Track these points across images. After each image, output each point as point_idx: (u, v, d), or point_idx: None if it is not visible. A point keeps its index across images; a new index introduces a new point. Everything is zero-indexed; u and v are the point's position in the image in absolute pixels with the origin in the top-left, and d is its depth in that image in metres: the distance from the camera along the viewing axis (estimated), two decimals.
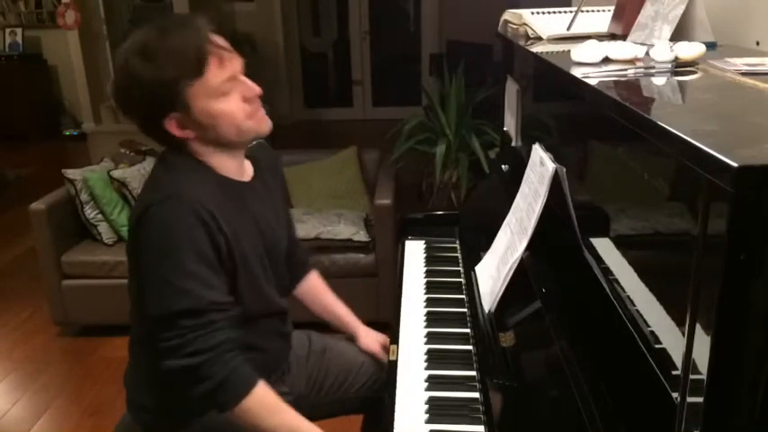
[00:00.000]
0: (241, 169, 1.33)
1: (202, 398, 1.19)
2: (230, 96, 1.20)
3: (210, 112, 1.19)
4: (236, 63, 1.22)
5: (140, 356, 1.37)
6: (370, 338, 1.60)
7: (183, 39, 1.16)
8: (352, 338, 1.62)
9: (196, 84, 1.17)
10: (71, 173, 3.02)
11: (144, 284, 1.21)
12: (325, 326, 1.66)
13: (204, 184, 1.23)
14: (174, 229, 1.17)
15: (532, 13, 1.65)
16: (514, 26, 1.73)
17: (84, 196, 3.00)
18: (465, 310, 1.49)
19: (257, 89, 1.24)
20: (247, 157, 1.36)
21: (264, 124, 1.27)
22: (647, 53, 1.12)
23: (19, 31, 7.00)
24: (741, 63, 1.01)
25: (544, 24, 1.57)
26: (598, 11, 1.62)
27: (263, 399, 1.22)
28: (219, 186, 1.26)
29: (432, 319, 1.48)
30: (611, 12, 1.48)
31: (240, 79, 1.22)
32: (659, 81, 1.02)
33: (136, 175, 3.03)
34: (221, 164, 1.28)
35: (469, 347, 1.35)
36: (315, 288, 1.63)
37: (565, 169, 1.20)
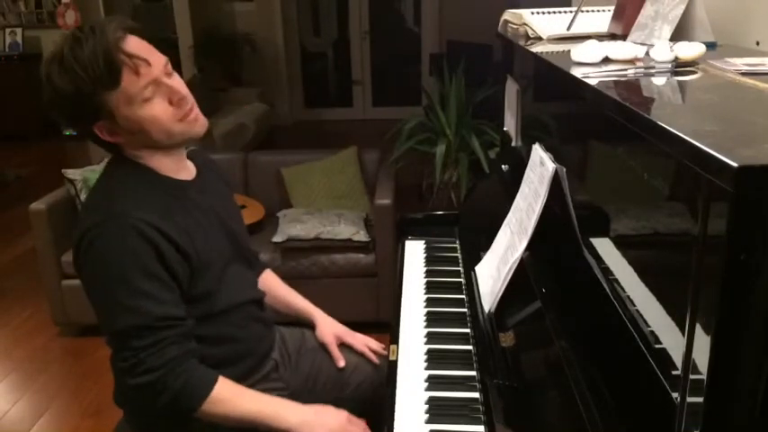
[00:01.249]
0: (183, 168, 1.33)
1: (166, 408, 1.21)
2: (153, 101, 1.19)
3: (135, 118, 1.18)
4: (155, 68, 1.18)
5: None
6: (326, 327, 1.59)
7: (94, 48, 1.12)
8: (312, 326, 1.61)
9: (114, 93, 1.15)
10: (71, 173, 3.02)
11: (94, 306, 1.22)
12: None
13: (146, 194, 1.22)
14: (117, 249, 1.17)
15: (532, 13, 1.65)
16: (514, 26, 1.73)
17: (84, 196, 3.00)
18: (465, 310, 1.48)
19: (182, 91, 1.22)
20: (188, 158, 1.36)
21: (196, 125, 1.25)
22: (647, 53, 1.12)
23: (19, 31, 7.00)
24: (741, 63, 1.01)
25: (544, 24, 1.57)
26: (598, 11, 1.62)
27: (224, 393, 1.24)
28: (164, 189, 1.26)
29: (432, 319, 1.48)
30: (611, 12, 1.48)
31: (163, 82, 1.19)
32: (659, 81, 1.02)
33: None
34: (161, 165, 1.28)
35: (469, 347, 1.35)
36: (268, 285, 1.61)
37: (565, 169, 1.20)
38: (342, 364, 1.55)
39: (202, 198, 1.33)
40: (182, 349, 1.21)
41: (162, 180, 1.27)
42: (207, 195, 1.35)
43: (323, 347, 1.58)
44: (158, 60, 1.20)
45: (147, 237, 1.17)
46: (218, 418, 1.25)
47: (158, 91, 1.19)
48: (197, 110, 1.26)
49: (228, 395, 1.25)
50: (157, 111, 1.19)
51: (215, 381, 1.24)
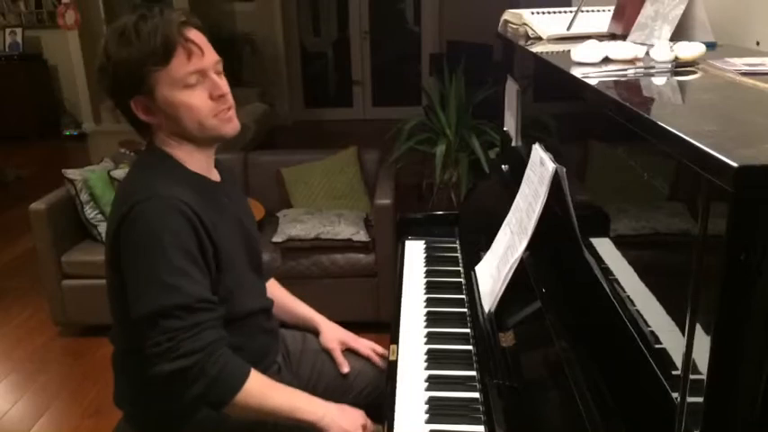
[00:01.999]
0: (211, 170, 1.35)
1: (196, 399, 1.18)
2: (195, 90, 1.22)
3: (172, 101, 1.21)
4: (207, 59, 1.23)
5: (127, 369, 1.36)
6: (330, 333, 1.59)
7: (156, 25, 1.19)
8: (316, 333, 1.61)
9: (161, 71, 1.19)
10: (71, 173, 3.02)
11: (130, 285, 1.20)
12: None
13: (182, 184, 1.24)
14: (160, 226, 1.17)
15: (532, 13, 1.65)
16: (514, 26, 1.73)
17: (84, 196, 3.00)
18: (465, 310, 1.48)
19: (223, 89, 1.25)
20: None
21: (228, 125, 1.27)
22: (647, 53, 1.12)
23: (19, 31, 7.00)
24: (741, 63, 1.01)
25: (544, 24, 1.57)
26: (598, 11, 1.62)
27: (258, 386, 1.22)
28: (195, 185, 1.27)
29: (432, 319, 1.48)
30: (611, 12, 1.48)
31: (209, 76, 1.23)
32: (659, 81, 1.02)
33: None
34: (191, 160, 1.29)
35: (469, 347, 1.35)
36: (273, 293, 1.61)
37: (565, 169, 1.20)
38: (346, 369, 1.54)
39: (227, 202, 1.34)
40: (218, 334, 1.20)
41: (194, 177, 1.29)
42: (230, 201, 1.37)
43: (325, 352, 1.58)
44: (211, 56, 1.24)
45: (188, 217, 1.19)
46: (248, 411, 1.22)
47: (202, 82, 1.22)
48: (233, 113, 1.28)
49: (261, 388, 1.23)
50: (196, 100, 1.22)
51: (249, 371, 1.22)
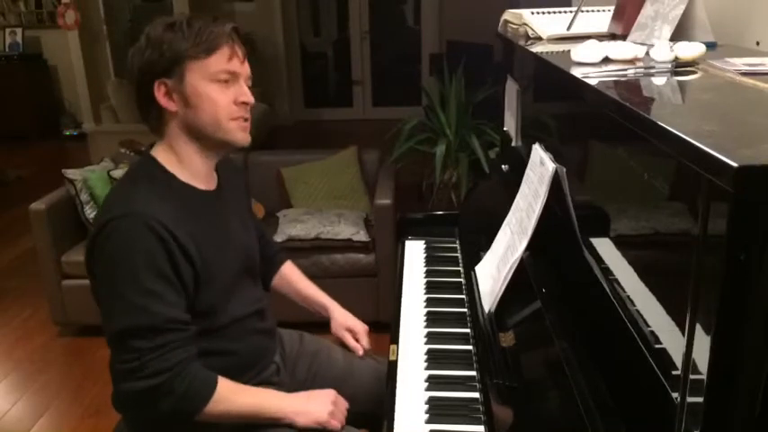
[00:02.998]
0: (206, 177, 1.34)
1: (165, 415, 1.20)
2: (223, 89, 1.24)
3: (199, 91, 1.23)
4: (243, 68, 1.28)
5: None
6: (341, 322, 1.61)
7: (207, 24, 1.23)
8: (327, 318, 1.63)
9: (199, 62, 1.22)
10: (71, 173, 3.02)
11: (101, 301, 1.22)
12: (318, 328, 1.67)
13: (164, 199, 1.23)
14: (131, 246, 1.17)
15: (532, 13, 1.65)
16: (514, 26, 1.73)
17: (84, 196, 3.00)
18: (465, 310, 1.48)
19: (250, 99, 1.28)
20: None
21: (241, 134, 1.28)
22: (647, 53, 1.12)
23: (19, 31, 7.01)
24: (741, 63, 1.01)
25: (544, 24, 1.57)
26: (598, 11, 1.62)
27: (224, 394, 1.24)
28: (181, 198, 1.27)
29: (432, 319, 1.48)
30: (611, 12, 1.48)
31: (240, 82, 1.27)
32: (659, 81, 1.02)
33: None
34: (188, 164, 1.29)
35: (469, 347, 1.35)
36: (288, 277, 1.65)
37: (565, 169, 1.20)
38: (360, 352, 1.58)
39: (218, 210, 1.34)
40: (187, 353, 1.21)
41: (183, 189, 1.29)
42: (224, 208, 1.36)
43: (320, 352, 1.58)
44: (247, 68, 1.30)
45: (161, 237, 1.18)
46: (217, 417, 1.24)
47: (232, 83, 1.26)
48: (249, 125, 1.30)
49: (227, 394, 1.25)
50: (221, 97, 1.24)
51: (216, 382, 1.24)
